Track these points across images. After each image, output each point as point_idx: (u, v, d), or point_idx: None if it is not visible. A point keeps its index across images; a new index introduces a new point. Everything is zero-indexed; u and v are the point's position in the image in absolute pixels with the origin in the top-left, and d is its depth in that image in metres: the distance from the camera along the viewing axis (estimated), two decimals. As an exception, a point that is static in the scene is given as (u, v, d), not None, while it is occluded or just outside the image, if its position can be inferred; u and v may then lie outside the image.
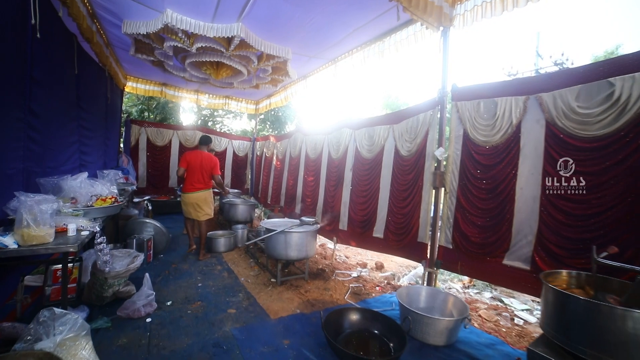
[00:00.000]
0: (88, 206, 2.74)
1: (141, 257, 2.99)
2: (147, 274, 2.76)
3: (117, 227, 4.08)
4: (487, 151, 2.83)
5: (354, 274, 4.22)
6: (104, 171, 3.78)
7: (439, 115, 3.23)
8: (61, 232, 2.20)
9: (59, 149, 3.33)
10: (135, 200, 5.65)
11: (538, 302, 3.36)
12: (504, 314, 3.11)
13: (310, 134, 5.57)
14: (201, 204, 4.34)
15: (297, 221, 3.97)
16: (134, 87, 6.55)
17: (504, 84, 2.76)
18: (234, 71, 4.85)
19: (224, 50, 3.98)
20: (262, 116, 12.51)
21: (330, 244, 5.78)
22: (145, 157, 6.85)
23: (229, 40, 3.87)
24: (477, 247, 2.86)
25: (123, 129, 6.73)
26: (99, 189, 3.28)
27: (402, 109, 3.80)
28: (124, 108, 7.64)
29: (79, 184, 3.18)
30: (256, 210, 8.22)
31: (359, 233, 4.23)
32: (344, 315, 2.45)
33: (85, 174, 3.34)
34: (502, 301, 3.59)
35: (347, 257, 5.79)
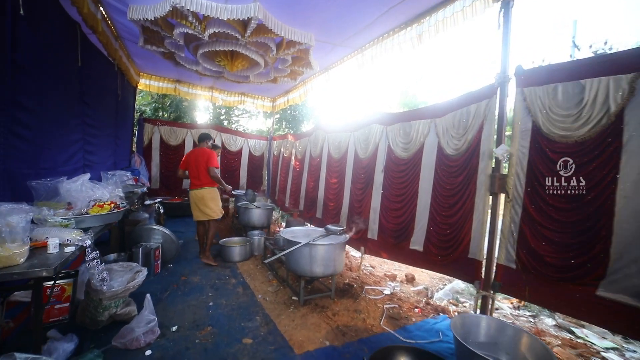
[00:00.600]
0: (82, 214, 2.34)
1: (144, 273, 2.57)
2: (148, 296, 2.33)
3: (123, 234, 3.71)
4: (568, 148, 2.22)
5: (387, 291, 3.67)
6: (109, 172, 3.42)
7: (497, 106, 2.63)
8: (41, 248, 1.79)
9: (57, 148, 2.98)
10: (147, 202, 5.33)
11: (627, 339, 2.69)
12: (585, 354, 2.47)
13: (333, 132, 5.05)
14: (202, 202, 3.98)
15: (322, 230, 3.47)
16: (147, 85, 6.26)
17: (596, 59, 2.14)
18: (250, 62, 4.40)
19: (239, 37, 3.53)
20: (277, 115, 12.12)
21: (353, 252, 5.24)
22: (159, 157, 6.56)
23: (244, 25, 3.42)
24: (553, 269, 2.25)
25: (136, 128, 6.46)
26: (99, 193, 2.90)
27: (446, 100, 3.22)
28: (137, 106, 7.42)
29: (79, 186, 2.81)
30: (273, 213, 7.82)
31: (392, 244, 3.68)
32: (390, 357, 1.92)
33: (87, 176, 2.97)
34: (572, 332, 2.94)
35: (372, 267, 5.23)
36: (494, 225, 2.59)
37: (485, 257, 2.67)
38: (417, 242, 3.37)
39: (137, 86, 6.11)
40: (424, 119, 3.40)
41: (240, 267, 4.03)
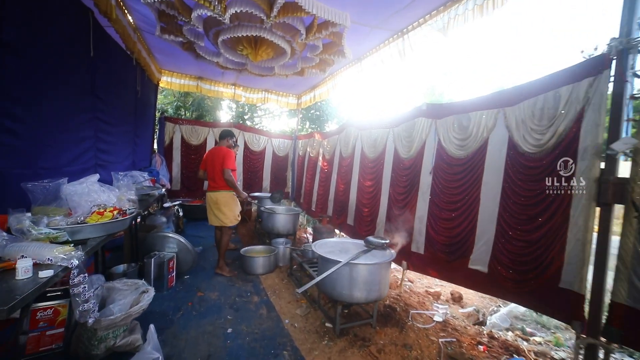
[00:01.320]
0: (77, 223, 1.94)
1: (150, 294, 2.13)
2: (152, 327, 1.88)
3: (136, 241, 3.35)
4: None
5: (437, 317, 3.03)
6: (120, 173, 3.06)
7: (610, 85, 1.94)
8: (11, 271, 1.38)
9: (62, 146, 2.64)
10: (166, 205, 5.02)
11: None
12: None
13: (367, 128, 4.47)
14: (216, 206, 3.56)
15: (360, 243, 2.91)
16: (169, 82, 6.01)
17: None
18: (276, 50, 3.94)
19: (264, 18, 3.06)
20: (300, 115, 11.69)
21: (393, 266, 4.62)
22: (180, 157, 6.29)
23: (270, 3, 2.95)
24: None
25: (157, 127, 6.23)
26: (104, 197, 2.52)
27: (520, 83, 2.54)
28: (159, 105, 7.24)
29: (84, 189, 2.45)
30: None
31: (444, 260, 3.04)
32: None
33: (95, 177, 2.61)
34: None
35: (411, 282, 4.57)
36: (605, 247, 1.90)
37: (589, 290, 1.98)
38: (479, 261, 2.71)
39: (158, 83, 5.87)
40: (487, 109, 2.74)
41: (264, 281, 3.55)
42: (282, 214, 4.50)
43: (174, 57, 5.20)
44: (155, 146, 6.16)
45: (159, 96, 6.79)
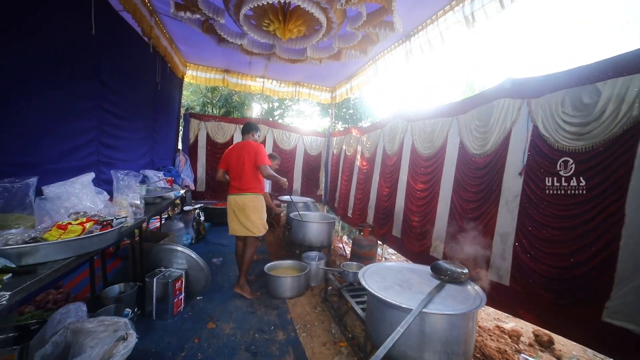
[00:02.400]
0: (25, 242, 1.35)
1: (130, 343, 1.49)
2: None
3: (141, 254, 2.80)
4: None
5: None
6: (121, 172, 2.52)
7: None
8: None
9: (47, 137, 2.14)
10: (186, 208, 4.54)
11: None
12: None
13: (420, 119, 3.60)
14: (242, 212, 2.96)
15: (423, 268, 2.08)
16: (194, 76, 5.61)
17: None
18: (309, 24, 3.24)
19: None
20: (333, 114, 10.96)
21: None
22: (205, 157, 5.86)
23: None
24: None
25: (182, 124, 5.86)
26: (88, 201, 1.98)
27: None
28: (186, 102, 6.92)
29: (63, 192, 1.93)
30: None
31: (549, 301, 2.09)
32: None
33: (89, 176, 2.10)
34: None
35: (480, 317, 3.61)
36: None
37: None
38: (623, 314, 1.74)
39: (183, 78, 5.48)
40: (627, 73, 1.77)
41: (292, 308, 2.83)
42: (314, 223, 3.77)
43: (198, 47, 4.75)
44: (180, 145, 5.78)
45: (186, 92, 6.46)
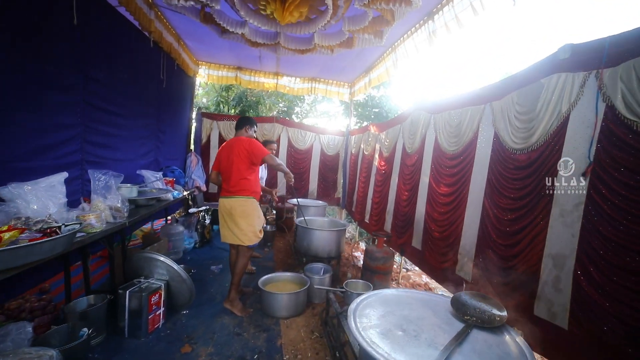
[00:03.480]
0: None
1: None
2: None
3: (124, 263, 2.56)
4: None
5: None
6: (99, 172, 2.30)
7: None
8: None
9: (13, 132, 1.96)
10: (191, 210, 4.34)
11: None
12: None
13: (445, 109, 3.03)
14: (231, 217, 2.62)
15: (441, 299, 1.57)
16: (207, 75, 5.47)
17: None
18: (310, 5, 2.85)
19: None
20: (355, 111, 10.43)
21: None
22: (217, 158, 5.68)
23: None
24: None
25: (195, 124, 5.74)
26: (37, 206, 1.74)
27: None
28: (200, 103, 6.82)
29: (7, 194, 1.74)
30: (348, 228, 6.09)
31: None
32: None
33: (60, 176, 1.90)
34: None
35: None
36: None
37: None
38: None
39: (195, 76, 5.35)
40: None
41: (285, 332, 2.43)
42: (319, 230, 3.34)
43: (205, 42, 4.56)
44: (193, 145, 5.66)
45: (201, 92, 6.36)
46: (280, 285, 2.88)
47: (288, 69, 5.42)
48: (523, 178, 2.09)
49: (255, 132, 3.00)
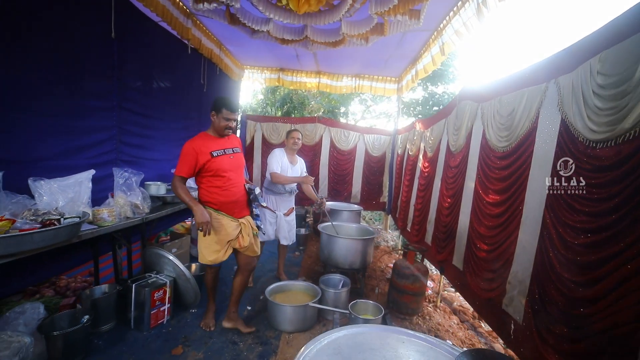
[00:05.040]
0: None
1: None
2: None
3: (143, 256, 2.70)
4: None
5: None
6: (121, 169, 2.46)
7: None
8: None
9: (46, 134, 2.20)
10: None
11: None
12: None
13: (494, 95, 2.40)
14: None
15: (448, 351, 1.12)
16: (251, 78, 5.64)
17: None
18: (329, -13, 2.58)
19: None
20: (414, 111, 9.54)
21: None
22: (260, 158, 5.80)
23: None
24: None
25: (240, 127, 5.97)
26: (49, 199, 1.89)
27: None
28: (248, 105, 7.06)
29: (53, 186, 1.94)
30: (387, 234, 5.50)
31: None
32: None
33: (88, 173, 2.11)
34: None
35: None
36: None
37: None
38: None
39: (240, 80, 5.56)
40: None
41: (283, 349, 2.19)
42: (341, 238, 3.01)
43: (244, 46, 4.66)
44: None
45: (247, 96, 6.61)
46: (291, 296, 2.66)
47: (328, 66, 5.21)
48: (610, 183, 1.43)
49: (226, 119, 2.19)
